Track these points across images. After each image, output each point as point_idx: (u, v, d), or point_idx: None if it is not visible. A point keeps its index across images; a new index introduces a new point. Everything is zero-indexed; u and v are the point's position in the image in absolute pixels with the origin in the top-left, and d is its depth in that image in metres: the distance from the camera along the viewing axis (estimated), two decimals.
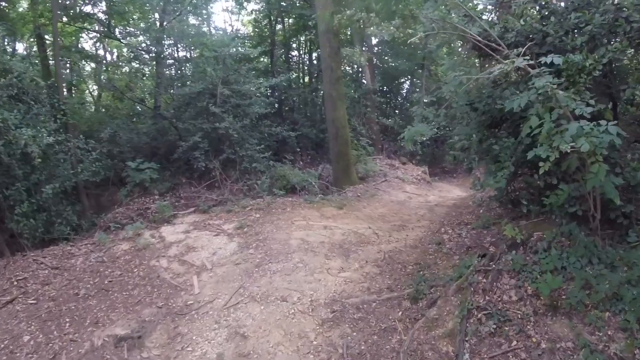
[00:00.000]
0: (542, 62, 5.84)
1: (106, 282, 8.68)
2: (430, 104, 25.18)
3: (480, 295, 6.60)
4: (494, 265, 7.11)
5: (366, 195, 14.26)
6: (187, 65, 19.40)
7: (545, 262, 6.42)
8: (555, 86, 5.48)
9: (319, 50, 18.86)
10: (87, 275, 8.95)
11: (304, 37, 23.19)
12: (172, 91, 17.88)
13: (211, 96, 14.90)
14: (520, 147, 7.34)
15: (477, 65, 11.35)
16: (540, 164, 5.52)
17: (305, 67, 24.83)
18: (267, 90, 21.90)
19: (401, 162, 20.89)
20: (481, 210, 11.91)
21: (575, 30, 7.30)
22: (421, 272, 8.14)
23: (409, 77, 27.20)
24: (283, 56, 23.62)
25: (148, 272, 9.01)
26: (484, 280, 6.90)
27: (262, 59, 23.45)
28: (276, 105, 21.93)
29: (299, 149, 19.70)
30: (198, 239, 10.31)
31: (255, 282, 8.17)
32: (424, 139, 22.60)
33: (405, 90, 28.68)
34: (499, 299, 6.42)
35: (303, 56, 24.84)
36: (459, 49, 24.25)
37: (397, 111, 26.83)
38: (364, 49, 19.87)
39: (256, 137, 15.73)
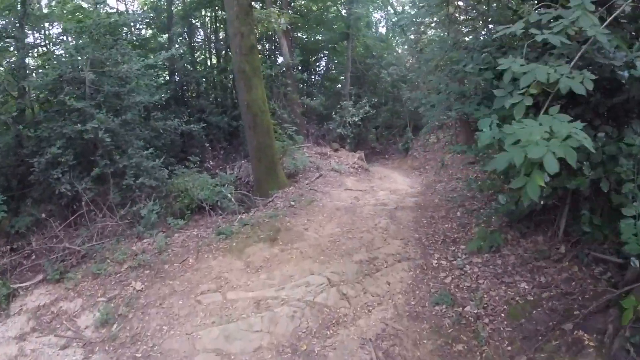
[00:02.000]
0: None
1: None
2: (356, 82, 21.52)
3: None
4: None
5: (302, 203, 10.06)
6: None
7: None
8: None
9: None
10: None
11: (209, 12, 18.54)
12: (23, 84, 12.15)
13: (76, 85, 9.84)
14: None
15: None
16: None
17: (212, 47, 19.88)
18: (162, 74, 16.87)
19: (333, 149, 16.91)
20: (472, 223, 8.22)
21: None
22: None
23: (326, 52, 23.12)
24: (186, 35, 18.48)
25: None
26: None
27: (159, 39, 18.24)
28: (179, 92, 16.97)
29: (208, 144, 15.03)
30: None
31: None
32: (355, 119, 18.99)
33: (322, 67, 24.55)
34: None
35: (210, 35, 19.82)
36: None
37: (315, 90, 22.55)
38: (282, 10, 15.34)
39: (145, 136, 10.83)
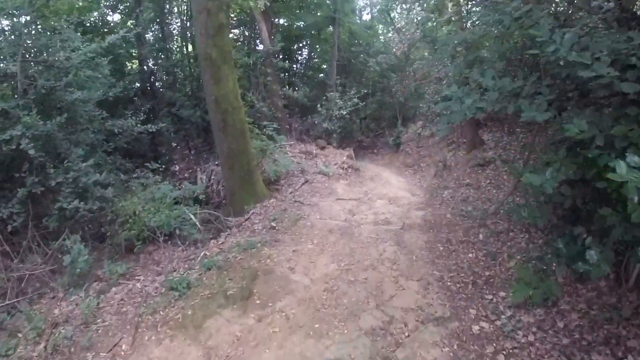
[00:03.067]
0: None
1: None
2: (342, 71, 19.24)
3: None
4: None
5: (285, 223, 7.93)
6: None
7: None
8: None
9: None
10: None
11: None
12: None
13: (9, 79, 7.50)
14: None
15: None
16: None
17: (188, 33, 17.33)
18: (131, 66, 14.40)
19: (319, 147, 14.73)
20: (504, 253, 6.24)
21: None
22: None
23: (309, 40, 20.68)
24: (157, 22, 15.86)
25: None
26: None
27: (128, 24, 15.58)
28: (147, 84, 14.49)
29: (176, 144, 12.72)
30: None
31: None
32: (343, 112, 16.79)
33: (305, 55, 22.09)
34: None
35: (185, 21, 17.19)
36: None
37: (298, 80, 20.08)
38: None
39: (92, 141, 8.50)
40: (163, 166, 10.32)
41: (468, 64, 7.69)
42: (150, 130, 9.66)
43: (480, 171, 10.84)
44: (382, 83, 19.31)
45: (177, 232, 7.26)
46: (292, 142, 14.22)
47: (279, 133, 12.32)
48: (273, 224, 7.80)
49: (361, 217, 8.78)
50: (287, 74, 19.79)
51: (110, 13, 15.03)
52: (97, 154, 8.05)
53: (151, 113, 13.78)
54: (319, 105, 16.06)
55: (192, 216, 7.43)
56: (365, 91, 17.86)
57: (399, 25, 20.61)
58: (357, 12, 23.07)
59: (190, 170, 11.27)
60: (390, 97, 18.90)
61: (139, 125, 9.36)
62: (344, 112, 15.85)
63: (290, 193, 9.96)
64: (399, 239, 7.40)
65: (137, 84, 13.90)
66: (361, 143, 19.86)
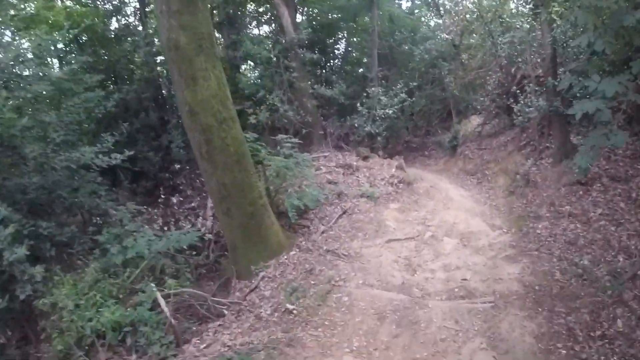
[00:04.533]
0: None
1: None
2: (381, 59, 16.08)
3: None
4: None
5: (310, 299, 5.08)
6: None
7: None
8: None
9: None
10: None
11: None
12: None
13: None
14: None
15: None
16: None
17: None
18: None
19: (361, 156, 11.80)
20: None
21: None
22: None
23: (345, 32, 17.58)
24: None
25: None
26: None
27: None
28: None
29: (166, 172, 10.20)
30: None
31: None
32: (389, 112, 13.69)
33: (342, 49, 18.94)
34: None
35: None
36: None
37: (335, 76, 16.99)
38: None
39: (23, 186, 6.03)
40: (161, 197, 7.82)
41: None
42: (115, 161, 6.93)
43: (582, 192, 7.61)
44: (432, 74, 16.08)
45: (129, 338, 4.57)
46: (327, 153, 11.40)
47: (306, 146, 9.49)
48: (289, 305, 5.03)
49: (425, 276, 5.89)
50: (322, 70, 16.86)
51: None
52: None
53: (162, 124, 11.35)
54: (358, 104, 13.09)
55: (161, 302, 4.75)
56: (413, 84, 14.71)
57: (448, 6, 17.16)
58: None
59: (199, 199, 8.64)
60: (442, 90, 15.68)
61: (100, 155, 6.68)
62: (390, 111, 12.78)
63: (322, 234, 7.16)
64: (493, 330, 4.50)
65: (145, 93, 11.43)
66: (409, 144, 16.77)
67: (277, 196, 7.40)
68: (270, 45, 12.82)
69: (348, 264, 6.17)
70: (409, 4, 20.19)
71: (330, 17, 15.79)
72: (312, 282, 5.73)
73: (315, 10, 15.93)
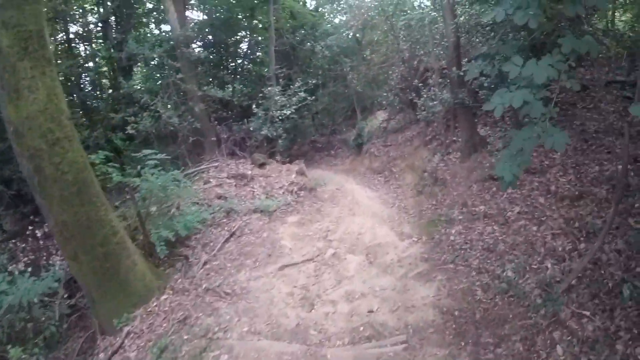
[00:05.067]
0: None
1: None
2: (282, 57, 14.81)
3: None
4: None
5: None
6: None
7: None
8: None
9: None
10: None
11: None
12: None
13: None
14: None
15: None
16: None
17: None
18: None
19: (257, 164, 10.38)
20: None
21: None
22: None
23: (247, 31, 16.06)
24: None
25: None
26: None
27: None
28: None
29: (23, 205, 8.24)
30: None
31: None
32: (287, 112, 12.33)
33: (244, 49, 17.30)
34: None
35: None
36: None
37: (234, 76, 15.41)
38: None
39: None
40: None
41: None
42: None
43: (495, 189, 6.87)
44: (335, 71, 15.19)
45: None
46: (216, 163, 9.85)
47: (198, 155, 7.88)
48: None
49: (325, 311, 4.66)
50: (222, 70, 15.19)
51: None
52: None
53: None
54: (254, 106, 11.68)
55: None
56: (313, 82, 13.62)
57: (351, 2, 16.32)
58: None
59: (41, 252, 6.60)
60: (345, 87, 14.84)
61: None
62: (288, 112, 11.50)
63: (204, 265, 5.69)
64: None
65: None
66: (314, 144, 15.80)
67: (144, 232, 5.76)
68: (154, 45, 11.02)
69: (231, 306, 4.78)
70: (314, 1, 19.21)
71: (230, 14, 14.18)
72: (185, 337, 4.31)
73: (213, 7, 14.23)
